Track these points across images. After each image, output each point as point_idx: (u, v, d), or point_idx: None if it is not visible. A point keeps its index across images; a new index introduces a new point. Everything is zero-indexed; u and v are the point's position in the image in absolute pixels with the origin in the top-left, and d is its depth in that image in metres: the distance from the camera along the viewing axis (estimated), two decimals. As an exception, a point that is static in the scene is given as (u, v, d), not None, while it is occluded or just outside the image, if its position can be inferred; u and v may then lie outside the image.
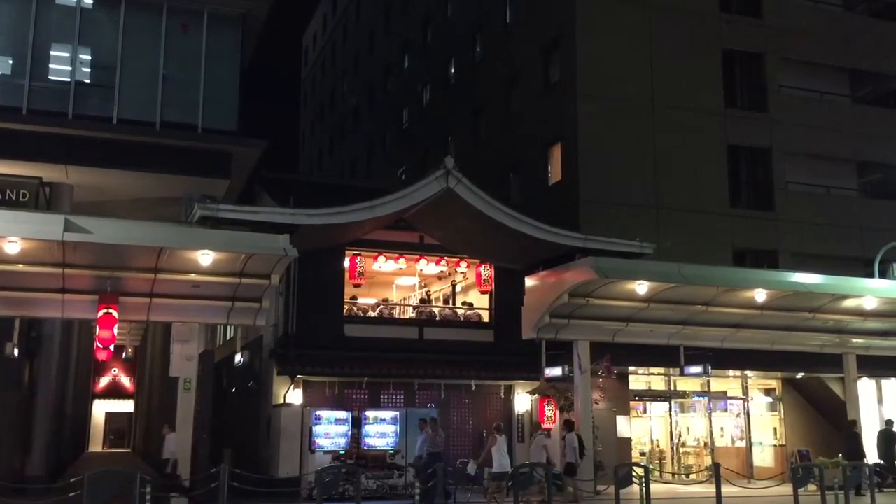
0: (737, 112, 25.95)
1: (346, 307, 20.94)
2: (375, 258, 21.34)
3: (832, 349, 22.13)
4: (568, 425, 17.94)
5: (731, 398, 24.02)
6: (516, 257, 20.86)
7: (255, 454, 20.00)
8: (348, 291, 21.06)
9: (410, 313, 22.76)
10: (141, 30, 20.55)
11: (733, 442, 23.78)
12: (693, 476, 22.15)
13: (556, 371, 19.75)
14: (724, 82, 25.93)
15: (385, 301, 23.16)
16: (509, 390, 21.29)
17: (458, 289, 24.24)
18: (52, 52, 20.06)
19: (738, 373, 23.38)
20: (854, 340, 22.14)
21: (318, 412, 18.87)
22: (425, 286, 24.85)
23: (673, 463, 23.27)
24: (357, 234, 19.73)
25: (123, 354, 41.71)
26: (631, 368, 22.00)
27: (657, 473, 21.73)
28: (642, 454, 22.81)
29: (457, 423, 20.83)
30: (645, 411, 23.98)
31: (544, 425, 20.56)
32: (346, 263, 20.73)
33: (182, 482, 15.98)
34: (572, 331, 19.59)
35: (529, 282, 20.31)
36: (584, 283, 18.38)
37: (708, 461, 22.09)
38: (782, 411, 24.06)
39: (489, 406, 21.09)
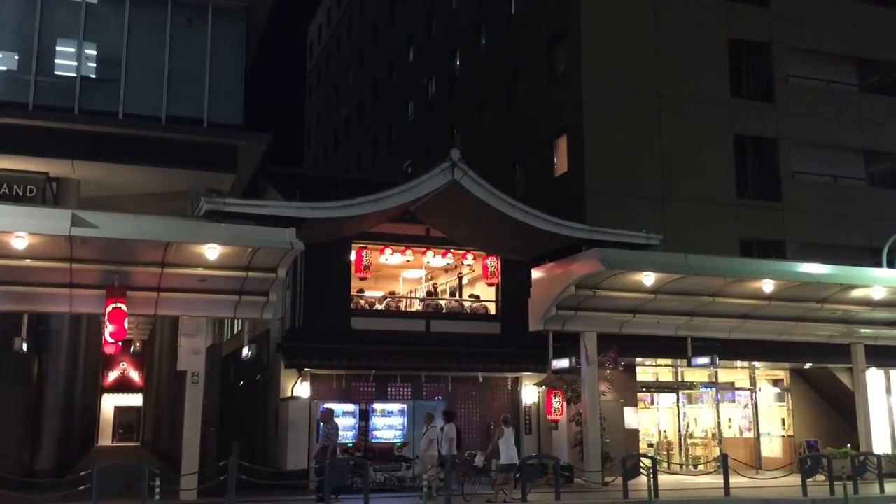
0: (743, 102, 25.84)
1: (352, 300, 20.97)
2: (382, 251, 21.35)
3: (840, 339, 22.09)
4: (447, 416, 17.45)
5: (738, 389, 23.99)
6: (523, 249, 20.84)
7: (263, 447, 20.08)
8: (355, 284, 21.07)
9: (417, 306, 22.78)
10: (146, 24, 20.53)
11: (741, 433, 23.77)
12: (701, 467, 22.16)
13: (563, 363, 19.77)
14: (731, 72, 25.81)
15: (392, 294, 23.18)
16: (516, 382, 21.29)
17: (464, 281, 24.24)
18: (57, 48, 20.07)
19: (745, 363, 23.35)
20: (862, 330, 22.10)
21: (325, 405, 18.93)
22: (432, 279, 24.86)
23: (681, 454, 23.27)
24: (363, 227, 19.73)
25: (132, 349, 41.84)
26: (638, 360, 21.99)
27: (665, 464, 21.73)
28: (650, 445, 22.82)
29: (464, 415, 20.84)
30: (652, 402, 23.97)
31: (551, 417, 20.60)
32: (353, 256, 20.74)
33: None
34: (579, 322, 19.59)
35: (536, 274, 20.30)
36: (591, 274, 18.38)
37: (716, 452, 22.09)
38: (790, 402, 24.03)
39: (496, 398, 21.11)
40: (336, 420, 18.39)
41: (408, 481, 18.25)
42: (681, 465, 22.61)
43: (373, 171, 41.20)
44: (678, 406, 23.52)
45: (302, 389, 18.91)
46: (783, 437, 23.79)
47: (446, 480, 15.76)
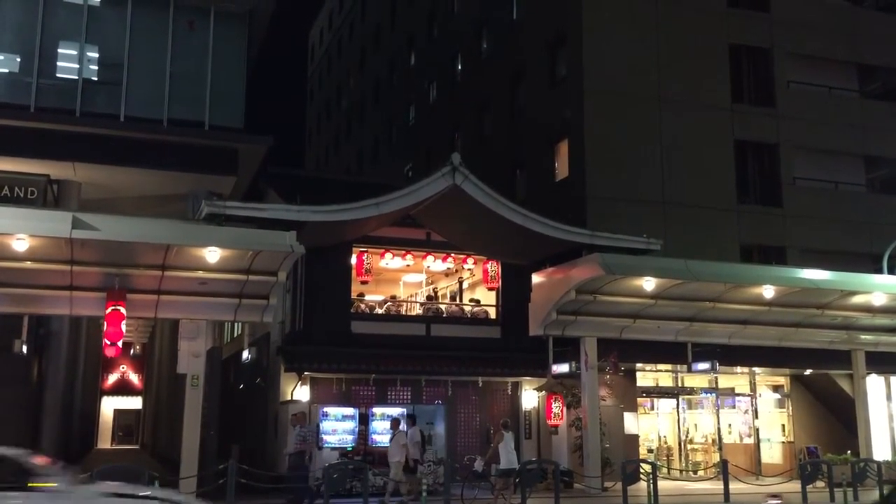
0: (744, 107, 25.87)
1: (353, 304, 20.96)
2: (382, 255, 21.34)
3: (840, 345, 22.06)
4: (411, 419, 17.18)
5: (738, 395, 23.97)
6: (523, 254, 20.84)
7: (262, 450, 20.05)
8: (355, 288, 21.06)
9: (417, 310, 22.75)
10: (148, 27, 20.56)
11: (741, 438, 23.74)
12: (701, 473, 22.14)
13: (563, 367, 19.75)
14: (732, 77, 25.85)
15: (392, 298, 23.16)
16: (516, 387, 21.28)
17: (465, 285, 24.23)
18: (59, 50, 20.09)
19: (745, 369, 23.32)
20: (862, 337, 22.08)
21: (325, 409, 18.91)
22: (432, 283, 24.84)
23: (681, 460, 23.24)
24: (364, 230, 19.72)
25: (131, 351, 41.87)
26: (638, 365, 21.97)
27: (665, 470, 21.71)
28: (650, 451, 22.80)
29: (464, 419, 20.84)
30: (652, 408, 23.95)
31: (551, 422, 20.57)
32: (353, 260, 20.73)
33: None
34: (579, 327, 19.58)
35: (536, 278, 20.29)
36: (591, 279, 18.36)
37: (716, 458, 22.07)
38: (790, 408, 24.00)
39: (496, 402, 21.08)
40: (337, 423, 18.41)
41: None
42: (681, 471, 22.58)
43: (373, 173, 41.20)
44: (678, 411, 23.50)
45: (302, 393, 18.89)
46: (783, 443, 23.75)
47: (445, 484, 15.73)
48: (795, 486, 17.86)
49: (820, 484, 18.21)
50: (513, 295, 21.41)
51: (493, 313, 22.18)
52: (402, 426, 17.34)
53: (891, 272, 22.84)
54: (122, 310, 15.08)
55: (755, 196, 25.84)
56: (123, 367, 46.29)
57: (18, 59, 19.82)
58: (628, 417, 21.50)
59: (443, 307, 23.10)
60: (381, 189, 19.17)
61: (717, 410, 23.52)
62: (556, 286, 19.27)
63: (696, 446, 23.78)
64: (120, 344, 15.55)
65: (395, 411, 19.75)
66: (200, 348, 16.54)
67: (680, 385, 23.34)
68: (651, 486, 16.37)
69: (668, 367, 22.66)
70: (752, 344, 21.37)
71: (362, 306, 21.47)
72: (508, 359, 20.71)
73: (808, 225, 25.43)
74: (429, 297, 23.97)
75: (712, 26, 25.77)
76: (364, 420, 19.55)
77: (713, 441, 23.39)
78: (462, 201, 19.07)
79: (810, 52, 27.02)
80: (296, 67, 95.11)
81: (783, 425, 24.01)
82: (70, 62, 20.02)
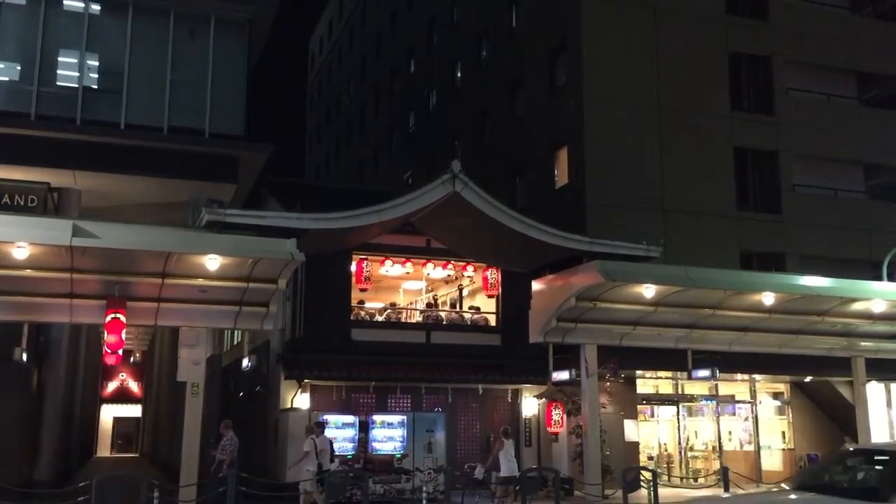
0: (743, 115, 25.90)
1: (353, 311, 20.96)
2: (382, 262, 21.36)
3: (841, 352, 22.05)
4: (319, 427, 16.68)
5: (739, 402, 23.95)
6: (523, 261, 20.85)
7: (262, 458, 20.02)
8: (355, 295, 21.07)
9: (417, 317, 22.77)
10: (148, 35, 20.61)
11: (741, 446, 23.71)
12: (701, 480, 22.09)
13: (563, 375, 19.74)
14: (731, 85, 25.89)
15: (392, 305, 23.17)
16: (516, 394, 21.27)
17: (464, 293, 24.24)
18: (60, 58, 20.14)
19: (746, 376, 23.32)
20: (862, 343, 22.07)
21: (325, 416, 18.89)
22: (432, 290, 24.86)
23: (681, 467, 23.20)
24: (364, 238, 19.74)
25: (131, 359, 41.75)
26: (638, 372, 21.98)
27: (665, 477, 21.66)
28: (650, 458, 22.77)
29: (464, 426, 20.83)
30: (653, 415, 23.92)
31: (551, 429, 20.54)
32: (353, 267, 20.75)
33: None
34: (579, 334, 19.56)
35: (536, 285, 20.29)
36: (591, 286, 18.36)
37: (716, 465, 22.03)
38: (791, 415, 23.98)
39: (496, 410, 21.07)
40: (337, 430, 18.34)
41: (407, 493, 18.21)
42: (681, 478, 22.53)
43: (373, 181, 41.24)
44: (678, 418, 23.47)
45: (302, 401, 18.88)
46: (784, 450, 23.73)
47: (446, 492, 15.72)
48: (796, 493, 17.82)
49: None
50: (513, 302, 21.41)
51: (492, 320, 22.18)
52: (325, 432, 16.99)
53: (890, 279, 22.83)
54: (123, 318, 15.08)
55: (755, 203, 25.86)
56: (123, 375, 46.24)
57: (19, 68, 19.87)
58: (628, 425, 21.48)
59: (443, 314, 23.10)
60: (381, 196, 19.17)
61: (718, 417, 23.50)
62: (556, 293, 19.28)
63: (696, 453, 23.75)
64: (120, 352, 15.56)
65: (397, 419, 19.78)
66: (200, 356, 16.53)
67: (680, 392, 23.32)
68: (651, 493, 16.35)
69: (669, 374, 22.66)
70: (753, 351, 21.37)
71: (362, 314, 21.48)
72: (508, 366, 20.71)
73: (807, 232, 25.44)
74: (429, 305, 23.98)
75: (711, 34, 25.82)
76: (364, 428, 19.55)
77: (713, 448, 23.36)
78: (462, 208, 19.09)
79: (809, 60, 27.06)
80: (296, 75, 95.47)
81: (783, 432, 23.98)
82: (70, 70, 20.06)
